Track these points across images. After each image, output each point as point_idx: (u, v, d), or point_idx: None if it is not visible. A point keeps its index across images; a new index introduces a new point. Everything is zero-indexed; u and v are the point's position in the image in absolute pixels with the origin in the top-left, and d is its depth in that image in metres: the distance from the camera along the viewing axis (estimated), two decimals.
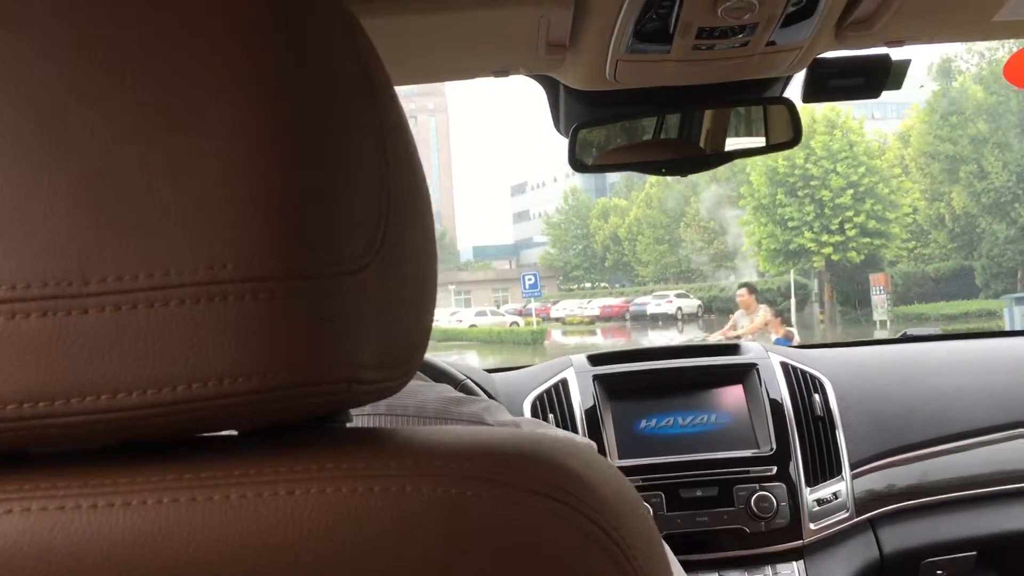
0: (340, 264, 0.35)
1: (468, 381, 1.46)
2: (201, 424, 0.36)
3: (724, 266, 41.63)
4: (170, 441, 0.38)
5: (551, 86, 1.41)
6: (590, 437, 1.58)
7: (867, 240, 30.58)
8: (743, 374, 1.72)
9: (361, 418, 0.65)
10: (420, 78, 1.37)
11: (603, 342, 29.46)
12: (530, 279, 27.72)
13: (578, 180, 61.28)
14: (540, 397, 1.69)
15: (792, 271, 31.67)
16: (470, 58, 1.29)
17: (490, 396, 1.54)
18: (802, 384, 1.69)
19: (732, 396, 1.70)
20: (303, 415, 0.37)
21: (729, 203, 40.17)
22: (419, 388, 0.69)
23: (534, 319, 33.87)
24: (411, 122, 1.26)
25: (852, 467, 1.63)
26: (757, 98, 1.42)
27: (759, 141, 1.46)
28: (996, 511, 1.68)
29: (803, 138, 1.42)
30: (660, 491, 1.58)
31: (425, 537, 0.34)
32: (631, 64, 1.22)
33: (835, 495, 1.61)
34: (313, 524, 0.33)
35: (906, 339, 2.09)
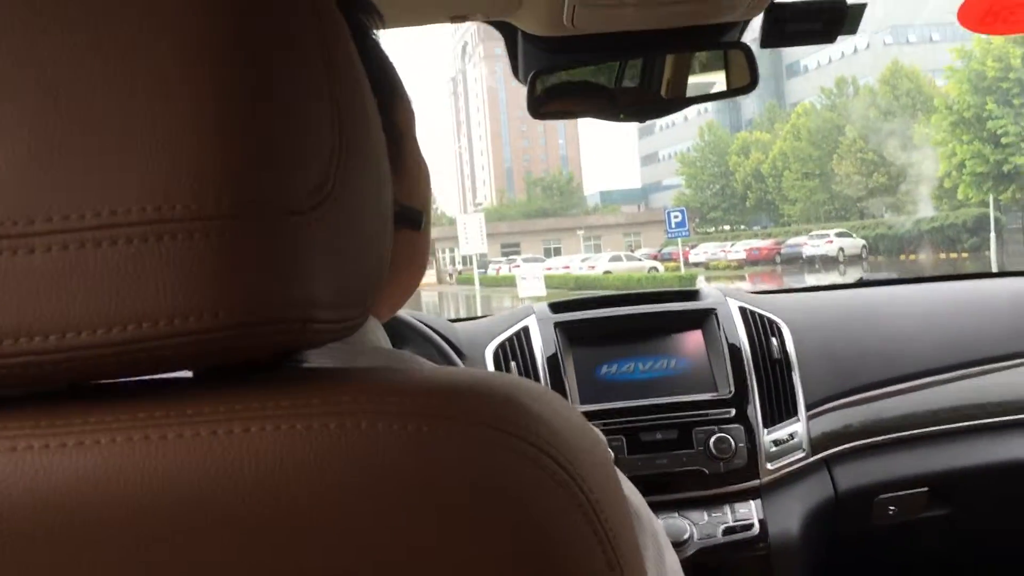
0: (291, 202, 0.35)
1: (436, 339, 1.52)
2: (153, 364, 0.35)
3: (887, 202, 37.21)
4: (126, 383, 0.38)
5: (509, 32, 1.40)
6: (552, 384, 1.61)
7: None
8: (702, 319, 1.72)
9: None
10: None
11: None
12: (676, 216, 23.92)
13: (714, 115, 57.26)
14: (502, 345, 1.69)
15: (991, 199, 27.18)
16: (427, 3, 1.28)
17: (453, 346, 1.59)
18: (760, 328, 1.69)
19: (691, 341, 1.71)
20: (258, 355, 0.37)
21: (894, 134, 35.68)
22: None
23: (681, 263, 30.46)
24: None
25: (808, 408, 1.65)
26: (715, 43, 1.42)
27: (718, 86, 1.45)
28: (946, 449, 1.71)
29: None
30: (621, 435, 1.58)
31: (382, 473, 0.34)
32: (588, 9, 1.23)
33: (791, 436, 1.62)
34: (268, 461, 0.33)
35: (862, 284, 2.11)
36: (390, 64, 0.62)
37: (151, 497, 0.33)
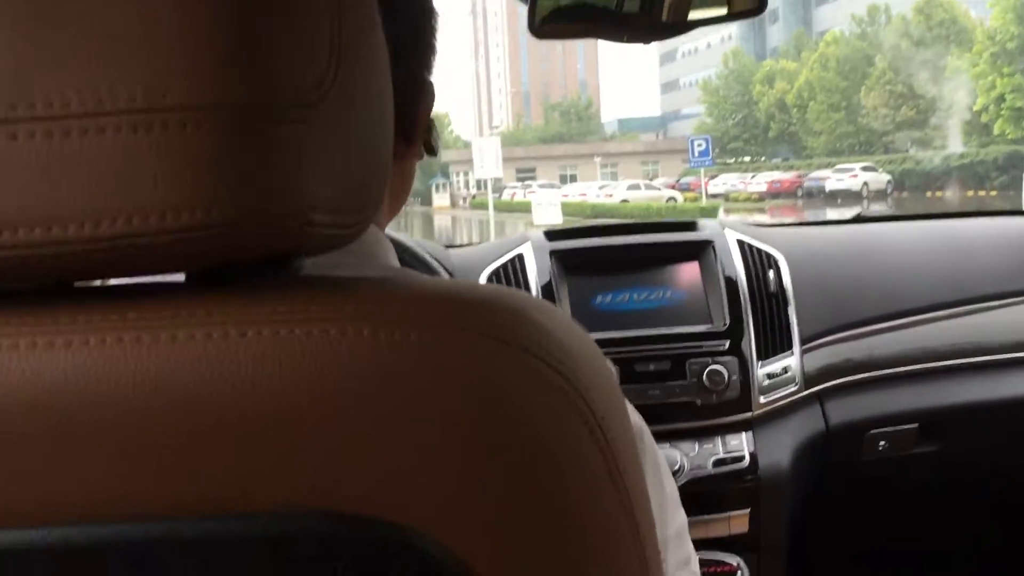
0: (288, 95, 0.33)
1: (432, 261, 1.50)
2: (144, 262, 0.34)
3: (915, 136, 36.22)
4: (117, 286, 0.37)
5: None
6: None
7: None
8: (699, 251, 1.70)
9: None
10: None
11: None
12: (700, 144, 23.11)
13: (739, 42, 55.80)
14: (496, 272, 1.67)
15: None
16: None
17: (447, 271, 1.57)
18: (757, 261, 1.67)
19: (688, 272, 1.69)
20: (252, 256, 0.35)
21: (926, 66, 34.53)
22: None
23: (704, 194, 29.65)
24: None
25: (803, 342, 1.64)
26: None
27: (721, 10, 1.40)
28: (939, 386, 1.71)
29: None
30: (615, 364, 1.50)
31: (382, 380, 0.33)
32: None
33: (785, 369, 1.62)
34: (266, 365, 0.33)
35: (859, 220, 2.09)
36: None
37: (143, 399, 0.32)
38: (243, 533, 0.33)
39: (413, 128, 0.62)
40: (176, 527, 0.33)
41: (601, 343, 1.27)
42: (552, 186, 38.48)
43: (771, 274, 1.64)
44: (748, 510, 1.57)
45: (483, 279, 1.65)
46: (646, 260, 1.70)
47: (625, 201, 30.37)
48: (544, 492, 0.35)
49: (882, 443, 1.66)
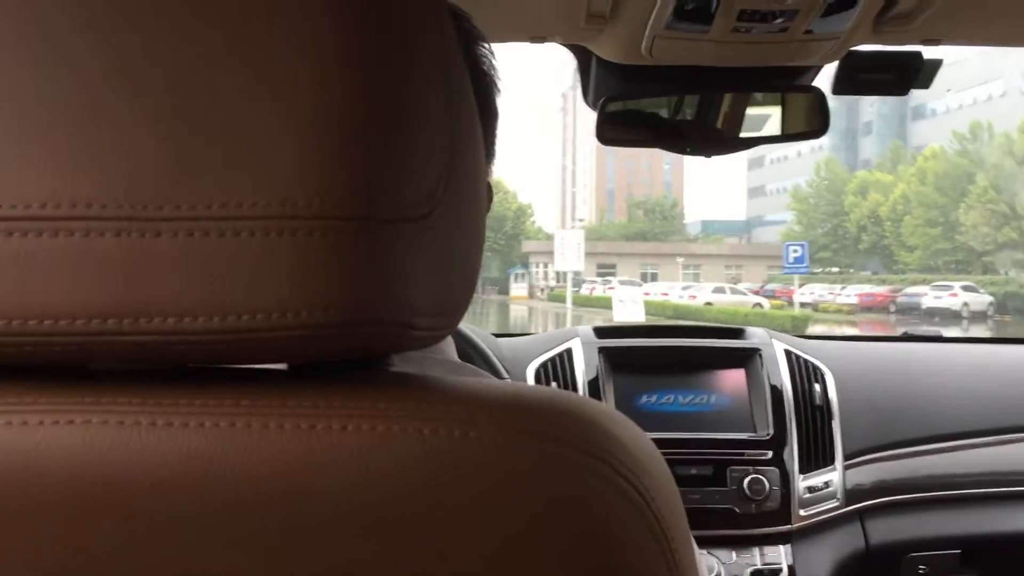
0: (404, 209, 0.36)
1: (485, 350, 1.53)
2: (258, 354, 0.36)
3: (1016, 259, 34.65)
4: (227, 369, 0.40)
5: (584, 56, 1.41)
6: None
7: None
8: (746, 358, 1.71)
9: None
10: None
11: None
12: (795, 250, 22.10)
13: (832, 151, 55.01)
14: (544, 365, 1.69)
15: None
16: (508, 22, 1.30)
17: (499, 361, 1.58)
18: (804, 372, 1.68)
19: (733, 379, 1.70)
20: (356, 354, 0.38)
21: None
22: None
23: (794, 301, 28.53)
24: None
25: (846, 458, 1.63)
26: (788, 85, 1.41)
27: (790, 127, 1.43)
28: (983, 512, 1.68)
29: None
30: None
31: (469, 481, 0.35)
32: (668, 40, 1.23)
33: (827, 484, 1.60)
34: (364, 460, 0.34)
35: (907, 338, 2.13)
36: (491, 78, 0.65)
37: (249, 483, 0.34)
38: None
39: None
40: None
41: None
42: (633, 283, 37.79)
43: (817, 387, 1.63)
44: None
45: (531, 371, 1.66)
46: (693, 364, 1.69)
47: (709, 304, 29.42)
48: None
49: (922, 567, 1.61)
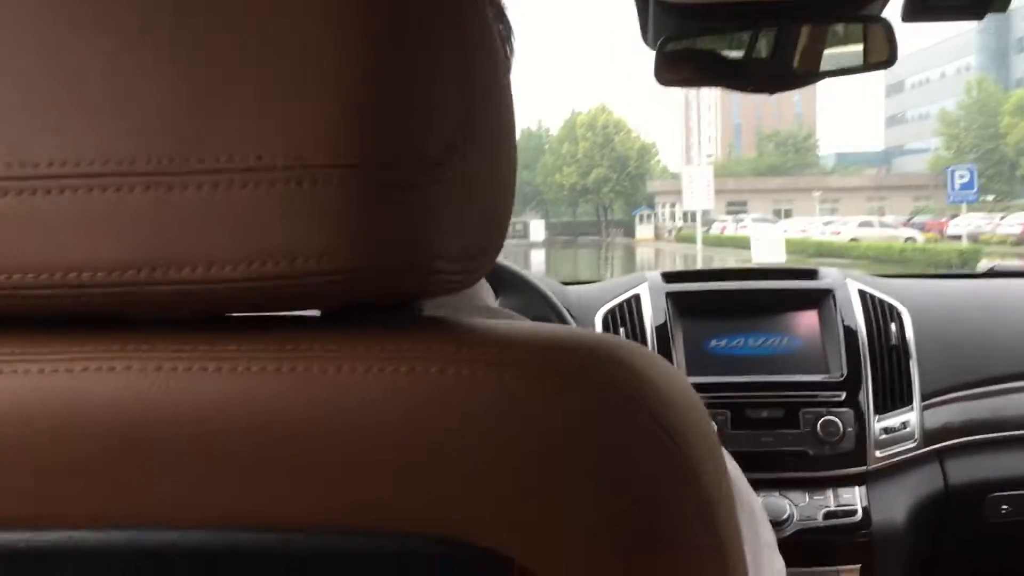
0: (424, 155, 0.37)
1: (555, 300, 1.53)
2: (288, 300, 0.38)
3: None
4: (260, 317, 0.41)
5: None
6: (659, 353, 1.34)
7: None
8: (819, 299, 1.66)
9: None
10: None
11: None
12: (962, 176, 19.76)
13: (980, 71, 50.79)
14: (612, 311, 1.66)
15: None
16: None
17: (565, 308, 1.55)
18: (879, 312, 1.63)
19: (806, 320, 1.66)
20: (383, 299, 0.39)
21: None
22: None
23: (948, 234, 25.81)
24: None
25: (924, 398, 1.59)
26: (853, 15, 1.36)
27: (854, 60, 1.39)
28: None
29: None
30: (726, 409, 1.56)
31: (497, 424, 0.36)
32: None
33: (904, 424, 1.56)
34: (391, 400, 0.36)
35: (993, 274, 1.98)
36: (507, 20, 0.66)
37: (283, 425, 0.36)
38: (360, 549, 0.37)
39: None
40: (302, 538, 0.37)
41: (713, 387, 1.54)
42: (767, 221, 35.75)
43: (893, 326, 1.60)
44: (859, 566, 1.52)
45: (599, 317, 1.65)
46: (763, 306, 1.66)
47: (855, 240, 27.22)
48: (639, 532, 0.37)
49: (1005, 507, 1.57)
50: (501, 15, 0.64)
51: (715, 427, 0.48)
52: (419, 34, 0.37)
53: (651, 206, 47.91)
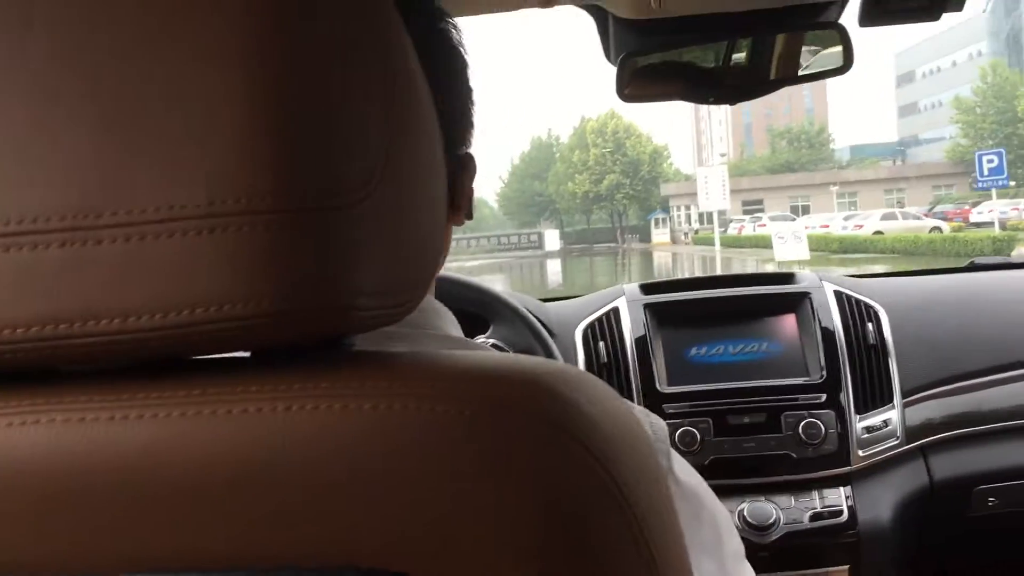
0: (337, 196, 0.37)
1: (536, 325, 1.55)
2: (209, 346, 0.38)
3: None
4: (187, 361, 0.42)
5: (600, 16, 1.41)
6: (639, 365, 1.62)
7: None
8: (796, 303, 1.69)
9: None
10: (458, 10, 1.30)
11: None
12: (991, 161, 19.04)
13: (994, 56, 50.03)
14: (591, 325, 1.68)
15: None
16: None
17: (544, 325, 1.59)
18: (855, 313, 1.65)
19: (784, 325, 1.68)
20: (302, 339, 0.39)
21: None
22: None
23: (998, 224, 24.95)
24: None
25: (904, 395, 1.60)
26: (808, 23, 1.38)
27: (815, 66, 1.43)
28: None
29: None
30: (708, 417, 1.57)
31: (429, 455, 0.36)
32: None
33: (885, 423, 1.58)
34: (310, 439, 0.36)
35: (973, 268, 2.01)
36: (458, 53, 0.66)
37: (205, 468, 0.36)
38: None
39: (457, 199, 0.66)
40: None
41: (694, 395, 1.58)
42: (786, 218, 35.06)
43: (870, 326, 1.61)
44: (847, 567, 1.52)
45: (579, 333, 1.65)
46: (741, 312, 1.67)
47: (879, 233, 26.51)
48: (567, 553, 0.37)
49: (992, 499, 1.58)
50: (447, 52, 0.64)
51: (654, 442, 0.49)
52: (336, 75, 0.37)
53: (666, 210, 47.30)
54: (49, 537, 0.37)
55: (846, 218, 30.90)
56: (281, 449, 0.35)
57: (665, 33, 1.34)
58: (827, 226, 29.66)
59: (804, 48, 1.40)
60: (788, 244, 18.89)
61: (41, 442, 0.37)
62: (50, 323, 0.36)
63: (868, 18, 1.22)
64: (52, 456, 0.37)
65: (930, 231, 25.59)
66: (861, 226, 28.13)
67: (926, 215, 30.99)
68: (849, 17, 1.31)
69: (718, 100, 1.46)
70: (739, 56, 1.43)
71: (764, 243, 26.57)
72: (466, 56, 0.66)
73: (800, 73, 1.40)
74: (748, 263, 24.41)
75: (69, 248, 0.36)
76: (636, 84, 1.38)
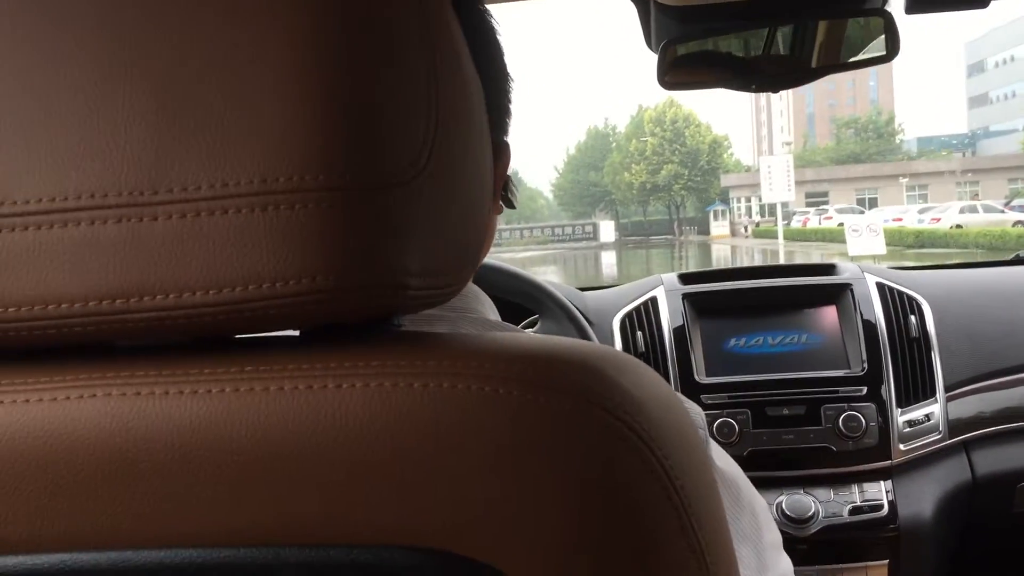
0: (386, 176, 0.37)
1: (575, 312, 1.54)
2: (260, 323, 0.38)
3: None
4: (238, 339, 0.42)
5: (642, 2, 1.38)
6: (678, 355, 1.60)
7: None
8: (837, 294, 1.65)
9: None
10: None
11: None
12: None
13: None
14: (629, 315, 1.65)
15: None
16: None
17: (583, 314, 1.56)
18: (898, 305, 1.61)
19: (825, 316, 1.64)
20: (353, 317, 0.40)
21: None
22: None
23: None
24: None
25: (947, 389, 1.56)
26: (854, 9, 1.36)
27: (853, 54, 1.40)
28: None
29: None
30: (746, 408, 1.54)
31: (457, 432, 0.36)
32: None
33: (927, 417, 1.54)
34: (360, 416, 0.36)
35: (1018, 261, 1.94)
36: (496, 40, 0.66)
37: (255, 444, 0.37)
38: (339, 561, 0.37)
39: (493, 186, 0.68)
40: (282, 553, 0.38)
41: (732, 386, 1.53)
42: (854, 210, 33.59)
43: (913, 319, 1.58)
44: (887, 561, 1.49)
45: (616, 322, 1.64)
46: (781, 304, 1.65)
47: (958, 227, 24.99)
48: (612, 533, 0.37)
49: None
50: (487, 39, 0.64)
51: (700, 428, 0.50)
52: (386, 54, 0.38)
53: (725, 201, 46.03)
54: (107, 510, 0.38)
55: (921, 211, 29.44)
56: (331, 426, 0.36)
57: (706, 19, 1.33)
58: (900, 219, 28.21)
59: (847, 35, 1.38)
60: (863, 237, 17.58)
61: (97, 416, 0.38)
62: (107, 298, 0.37)
63: (915, 5, 1.20)
64: (108, 430, 0.37)
65: (1013, 225, 24.03)
66: (938, 219, 26.67)
67: (1006, 208, 29.33)
68: (896, 4, 1.28)
69: (760, 88, 1.44)
70: (780, 43, 1.42)
71: (831, 236, 25.25)
72: (501, 41, 0.66)
73: (842, 61, 1.39)
74: (813, 257, 23.10)
75: (125, 224, 0.37)
76: (677, 71, 1.37)
